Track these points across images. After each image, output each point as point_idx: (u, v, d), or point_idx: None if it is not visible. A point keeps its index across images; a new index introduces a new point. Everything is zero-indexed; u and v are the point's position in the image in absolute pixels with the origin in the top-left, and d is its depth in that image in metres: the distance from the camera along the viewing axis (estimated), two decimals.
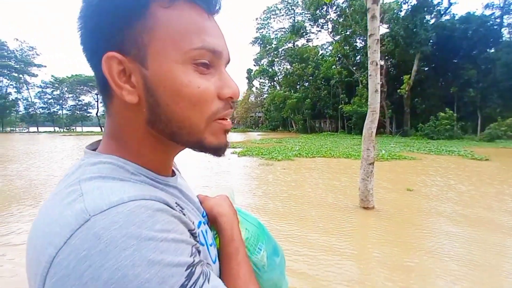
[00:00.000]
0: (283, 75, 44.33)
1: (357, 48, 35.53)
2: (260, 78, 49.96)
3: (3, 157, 11.98)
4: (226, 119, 0.38)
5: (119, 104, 0.35)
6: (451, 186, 6.43)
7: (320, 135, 30.92)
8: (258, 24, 48.15)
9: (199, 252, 0.32)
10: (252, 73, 49.10)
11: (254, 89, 54.14)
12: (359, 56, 35.65)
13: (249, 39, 49.82)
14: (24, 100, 46.90)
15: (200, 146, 0.37)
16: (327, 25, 36.08)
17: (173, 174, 0.44)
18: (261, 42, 45.12)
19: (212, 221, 0.47)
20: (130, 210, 0.27)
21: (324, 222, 4.19)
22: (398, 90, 27.94)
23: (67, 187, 0.31)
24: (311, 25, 39.74)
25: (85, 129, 52.21)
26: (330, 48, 40.15)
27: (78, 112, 48.48)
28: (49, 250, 0.26)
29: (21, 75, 44.40)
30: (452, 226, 3.94)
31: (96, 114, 51.81)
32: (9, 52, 43.10)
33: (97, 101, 51.23)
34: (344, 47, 34.79)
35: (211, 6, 0.36)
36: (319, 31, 39.76)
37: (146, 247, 0.26)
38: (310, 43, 42.23)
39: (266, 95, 48.02)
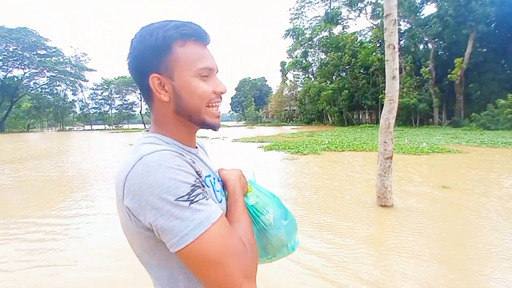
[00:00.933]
0: (318, 65, 42.71)
1: (401, 31, 32.62)
2: (294, 71, 48.75)
3: (73, 150, 13.43)
4: (217, 107, 0.63)
5: (158, 103, 0.61)
6: (497, 183, 5.50)
7: (357, 128, 29.23)
8: (291, 14, 46.82)
9: (202, 185, 0.54)
10: (286, 66, 48.10)
11: (288, 82, 53.11)
12: (403, 40, 32.74)
13: (281, 32, 48.29)
14: (79, 101, 52.49)
15: (203, 124, 0.63)
16: (365, 9, 33.60)
17: (196, 147, 0.69)
18: (293, 34, 43.86)
19: (224, 183, 0.69)
20: (160, 153, 0.52)
21: (336, 221, 3.85)
22: (449, 76, 24.98)
23: (134, 148, 0.58)
24: (349, 11, 37.48)
25: (131, 126, 56.68)
26: (370, 34, 37.38)
27: (125, 111, 52.73)
28: (125, 172, 0.52)
29: (76, 79, 49.56)
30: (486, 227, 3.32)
31: (140, 112, 55.91)
32: (65, 58, 48.28)
33: (141, 101, 55.11)
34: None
35: (206, 40, 0.61)
36: (358, 16, 37.35)
37: (168, 171, 0.50)
38: (347, 30, 39.75)
39: (300, 88, 46.69)
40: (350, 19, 39.43)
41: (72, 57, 49.45)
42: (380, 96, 32.02)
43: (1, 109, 45.51)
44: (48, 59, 45.27)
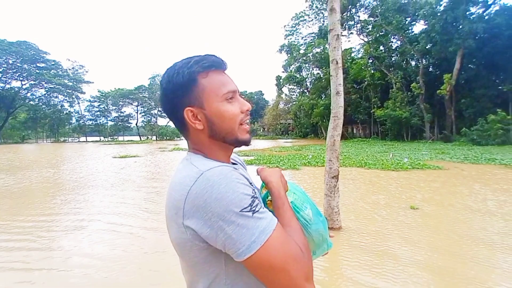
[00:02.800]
0: (311, 80, 43.25)
1: (392, 48, 33.19)
2: (290, 85, 49.29)
3: (69, 160, 13.23)
4: (247, 124, 0.69)
5: (193, 131, 0.67)
6: (467, 206, 5.29)
7: (349, 142, 29.17)
8: (286, 31, 47.85)
9: (257, 196, 0.59)
10: (281, 80, 48.68)
11: (283, 95, 53.56)
12: (395, 57, 33.24)
13: (277, 47, 49.16)
14: (76, 113, 52.66)
15: (237, 141, 0.68)
16: (356, 26, 34.35)
17: (234, 164, 0.75)
18: (288, 49, 44.66)
19: (266, 185, 0.69)
20: (220, 168, 0.57)
21: None
22: (438, 91, 25.13)
23: (185, 165, 0.63)
24: (342, 28, 38.34)
25: (126, 138, 56.57)
26: (362, 50, 38.04)
27: (121, 123, 52.77)
28: (186, 188, 0.56)
29: (73, 91, 49.94)
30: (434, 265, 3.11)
31: (136, 124, 56.00)
32: (63, 71, 48.86)
33: (137, 113, 55.40)
34: (377, 48, 32.73)
35: (224, 67, 0.68)
36: (351, 33, 38.11)
37: (231, 184, 0.54)
38: None
39: (295, 102, 47.02)
40: (343, 35, 40.25)
41: (69, 69, 50.10)
42: (372, 111, 32.20)
43: None
44: (46, 72, 45.83)
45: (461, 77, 25.78)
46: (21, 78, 46.07)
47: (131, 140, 49.33)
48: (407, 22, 29.93)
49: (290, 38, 47.15)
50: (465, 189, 6.60)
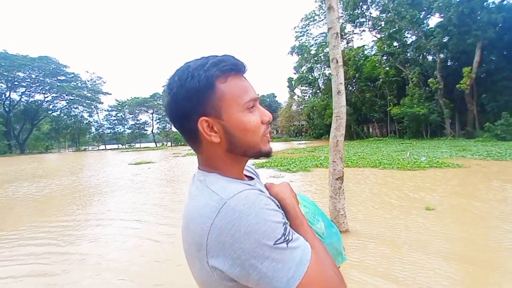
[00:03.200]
0: (323, 81, 42.74)
1: (407, 43, 32.20)
2: (302, 86, 48.96)
3: (88, 167, 13.81)
4: (269, 134, 0.61)
5: (207, 144, 0.57)
6: (486, 205, 4.97)
7: (365, 142, 28.43)
8: (296, 32, 47.65)
9: (287, 223, 0.51)
10: (292, 82, 48.44)
11: (296, 97, 53.23)
12: (410, 52, 32.21)
13: (288, 48, 49.02)
14: (95, 122, 54.78)
15: (260, 154, 0.59)
16: (367, 23, 33.63)
17: (250, 178, 0.67)
18: (298, 51, 44.44)
19: (279, 202, 0.59)
20: (246, 194, 0.49)
21: None
22: (458, 86, 24.05)
23: (201, 190, 0.54)
24: (353, 26, 37.65)
25: (143, 145, 58.13)
26: (375, 47, 37.16)
27: (137, 130, 54.34)
28: (208, 222, 0.47)
29: (92, 102, 52.05)
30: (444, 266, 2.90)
31: (152, 131, 57.44)
32: (82, 83, 51.10)
33: (152, 120, 56.92)
34: (391, 45, 31.86)
35: (244, 71, 0.58)
36: (363, 30, 37.34)
37: (260, 213, 0.46)
38: (351, 45, 39.76)
39: (307, 103, 46.58)
40: (356, 33, 39.52)
41: (88, 81, 52.31)
42: (388, 109, 31.28)
43: (22, 132, 48.24)
44: (66, 84, 48.06)
45: (481, 70, 24.56)
46: (43, 91, 48.60)
47: (147, 147, 50.63)
48: (421, 16, 28.98)
49: (301, 39, 46.90)
50: (484, 187, 6.21)
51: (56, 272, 3.22)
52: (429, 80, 27.01)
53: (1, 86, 45.41)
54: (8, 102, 46.21)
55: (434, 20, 29.15)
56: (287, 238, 0.47)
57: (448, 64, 29.02)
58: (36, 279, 3.09)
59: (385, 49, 31.99)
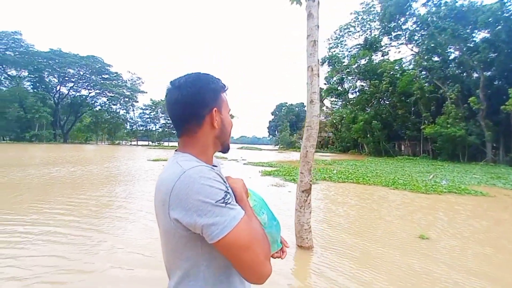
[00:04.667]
0: (354, 93, 41.39)
1: (448, 58, 30.02)
2: (332, 97, 47.84)
3: (113, 159, 14.88)
4: None
5: (206, 129, 0.79)
6: (497, 241, 4.31)
7: (392, 160, 26.74)
8: (330, 44, 46.92)
9: (230, 192, 0.70)
10: (322, 92, 47.51)
11: (324, 108, 52.07)
12: (451, 68, 29.93)
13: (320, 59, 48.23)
14: (130, 119, 58.36)
15: (227, 146, 0.85)
16: (404, 36, 32.07)
17: (214, 166, 0.84)
18: (330, 62, 43.63)
19: (232, 189, 0.77)
20: (201, 168, 0.68)
21: None
22: (503, 107, 21.74)
23: (172, 164, 0.73)
24: (390, 38, 36.13)
25: (171, 143, 60.49)
26: (413, 61, 35.16)
27: (167, 129, 56.94)
28: (171, 183, 0.66)
29: (129, 100, 55.70)
30: None
31: None
32: (123, 82, 54.99)
33: None
34: (429, 59, 29.90)
35: (225, 90, 0.85)
36: (401, 43, 35.64)
37: (208, 181, 0.65)
38: (387, 57, 38.10)
39: (336, 115, 45.27)
40: (393, 46, 37.83)
41: (128, 80, 56.17)
42: (422, 127, 29.21)
43: (67, 123, 52.98)
44: (109, 82, 52.08)
45: None
46: (89, 88, 53.17)
47: (175, 146, 52.52)
48: (467, 30, 26.89)
49: (334, 51, 46.09)
50: (505, 219, 5.41)
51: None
52: (470, 99, 24.77)
53: (54, 80, 50.61)
54: (57, 95, 51.24)
55: (480, 35, 26.90)
56: (226, 201, 0.65)
57: (493, 82, 26.46)
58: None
59: (423, 63, 30.11)
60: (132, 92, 55.78)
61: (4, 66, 45.71)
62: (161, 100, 57.33)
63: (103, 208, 5.58)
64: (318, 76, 3.81)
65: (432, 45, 28.52)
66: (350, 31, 44.75)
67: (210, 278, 0.71)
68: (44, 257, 3.25)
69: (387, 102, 36.71)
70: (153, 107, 56.83)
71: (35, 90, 48.02)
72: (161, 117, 57.36)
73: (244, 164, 17.21)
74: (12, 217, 4.78)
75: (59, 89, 51.48)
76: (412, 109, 32.89)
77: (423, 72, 31.87)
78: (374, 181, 10.06)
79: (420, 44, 30.20)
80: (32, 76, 48.02)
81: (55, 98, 50.82)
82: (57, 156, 19.16)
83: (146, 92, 58.94)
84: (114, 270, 3.00)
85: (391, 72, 34.36)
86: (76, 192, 7.05)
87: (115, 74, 53.59)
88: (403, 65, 36.69)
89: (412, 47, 32.63)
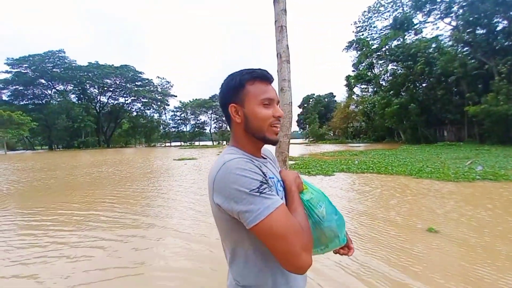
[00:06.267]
0: (385, 78, 38.62)
1: (495, 30, 26.40)
2: (362, 84, 45.23)
3: (143, 160, 16.00)
4: (276, 127, 0.84)
5: (234, 124, 0.85)
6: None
7: (428, 147, 24.44)
8: (357, 27, 44.27)
9: (267, 182, 0.73)
10: (351, 79, 45.16)
11: (354, 96, 49.51)
12: (500, 40, 26.27)
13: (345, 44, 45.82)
14: (163, 122, 61.41)
15: (265, 139, 0.84)
16: (439, 9, 28.97)
17: (264, 158, 0.92)
18: (357, 46, 41.20)
19: (283, 181, 0.85)
20: (238, 159, 0.73)
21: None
22: None
23: (220, 155, 0.81)
24: (424, 14, 32.90)
25: (202, 143, 62.63)
26: (448, 38, 31.61)
27: (197, 129, 58.86)
28: (214, 173, 0.74)
29: (161, 103, 58.62)
30: None
31: (210, 130, 61.45)
32: (154, 87, 57.99)
33: (211, 120, 60.93)
34: (474, 32, 26.57)
35: (268, 80, 0.85)
36: (439, 18, 32.22)
37: (244, 171, 0.70)
38: (419, 36, 34.86)
39: (367, 103, 42.67)
40: (428, 22, 34.42)
41: (159, 85, 59.08)
42: (465, 109, 26.20)
43: (108, 129, 57.49)
44: (142, 89, 55.30)
45: None
46: (125, 95, 57.05)
47: (205, 145, 54.28)
48: None
49: (362, 34, 43.40)
50: None
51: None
52: None
53: (95, 91, 55.19)
54: (98, 104, 55.84)
55: None
56: (261, 190, 0.69)
57: None
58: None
59: (465, 38, 26.88)
60: (163, 96, 58.68)
61: (53, 82, 51.07)
62: (189, 101, 59.49)
63: (142, 197, 6.77)
64: (288, 63, 3.49)
65: (476, 15, 25.29)
66: (379, 11, 41.79)
67: (256, 260, 0.76)
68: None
69: (424, 85, 33.62)
70: (183, 109, 59.11)
71: (79, 101, 52.93)
72: (190, 118, 59.53)
73: None
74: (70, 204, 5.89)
75: (100, 99, 56.13)
76: (454, 89, 29.73)
77: (465, 48, 28.50)
78: (397, 170, 9.21)
79: (459, 16, 27.02)
80: (76, 89, 52.96)
81: (97, 107, 55.44)
82: (103, 159, 21.33)
83: (176, 96, 61.70)
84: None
85: (427, 52, 31.31)
86: (121, 185, 8.64)
87: (146, 81, 56.78)
88: (441, 43, 33.17)
89: (450, 21, 29.37)
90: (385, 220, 4.36)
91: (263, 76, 0.82)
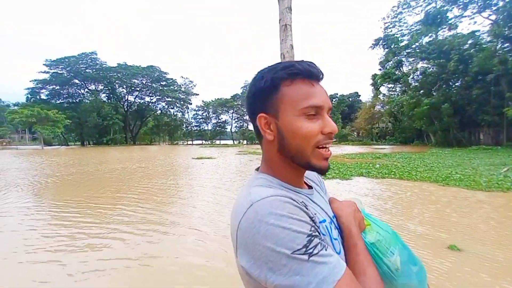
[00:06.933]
0: (414, 76, 36.54)
1: None
2: (389, 83, 43.16)
3: (164, 158, 16.59)
4: (327, 148, 0.58)
5: (265, 141, 0.61)
6: None
7: (462, 151, 22.67)
8: (386, 23, 42.25)
9: (319, 233, 0.49)
10: (376, 79, 43.27)
11: (381, 96, 47.40)
12: None
13: (371, 42, 43.97)
14: (185, 121, 62.94)
15: (309, 166, 0.58)
16: (476, 2, 26.83)
17: (309, 187, 0.66)
18: (384, 43, 39.34)
19: (336, 219, 0.61)
20: (272, 200, 0.49)
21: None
22: None
23: (244, 190, 0.58)
24: (460, 8, 30.63)
25: (223, 141, 63.42)
26: (486, 34, 29.12)
27: (218, 128, 59.62)
28: (238, 219, 0.51)
29: (184, 103, 60.13)
30: None
31: (230, 129, 62.03)
32: (178, 86, 59.58)
33: (231, 119, 61.52)
34: None
35: (315, 77, 0.58)
36: (475, 13, 29.86)
37: (281, 220, 0.46)
38: (454, 31, 32.53)
39: (394, 103, 40.64)
40: (464, 17, 31.99)
41: (182, 85, 60.64)
42: (505, 110, 24.01)
43: (135, 127, 60.02)
44: (166, 88, 57.10)
45: None
46: (150, 95, 59.19)
47: (226, 144, 54.83)
48: None
49: (391, 30, 41.38)
50: None
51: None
52: None
53: (123, 91, 57.81)
54: (126, 103, 58.43)
55: None
56: (310, 251, 0.45)
57: None
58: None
59: (505, 32, 24.63)
60: (186, 96, 60.15)
61: (85, 82, 54.27)
62: (211, 100, 60.46)
63: (166, 191, 7.47)
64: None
65: None
66: (410, 6, 39.57)
67: None
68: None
69: (458, 84, 31.34)
70: (205, 108, 60.21)
71: (109, 100, 55.75)
72: (212, 116, 60.46)
73: None
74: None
75: (127, 98, 58.73)
76: (492, 89, 27.38)
77: (505, 44, 26.11)
78: (422, 176, 8.56)
79: (500, 10, 24.84)
80: (106, 88, 55.84)
81: (125, 106, 58.07)
82: (129, 155, 22.74)
83: (198, 94, 62.80)
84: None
85: (461, 48, 29.11)
86: (145, 179, 9.57)
87: (171, 80, 58.50)
88: (479, 38, 30.65)
89: (489, 15, 27.07)
90: (402, 229, 3.97)
91: (307, 73, 0.56)
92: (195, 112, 62.39)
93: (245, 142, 57.71)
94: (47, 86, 52.57)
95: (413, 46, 36.60)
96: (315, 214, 0.55)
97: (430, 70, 33.34)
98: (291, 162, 0.58)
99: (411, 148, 30.70)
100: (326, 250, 0.47)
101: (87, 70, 52.42)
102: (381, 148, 30.48)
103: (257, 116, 0.59)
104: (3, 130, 47.91)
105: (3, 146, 44.08)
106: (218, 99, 59.58)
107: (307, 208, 0.52)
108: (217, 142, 61.85)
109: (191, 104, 61.36)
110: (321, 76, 0.58)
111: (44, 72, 50.87)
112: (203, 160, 17.24)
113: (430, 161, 13.42)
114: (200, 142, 63.19)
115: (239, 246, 0.50)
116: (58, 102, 52.98)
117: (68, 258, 3.33)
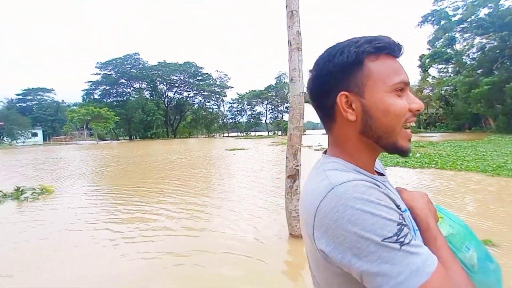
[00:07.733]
0: (469, 54, 32.25)
1: None
2: (439, 64, 38.79)
3: (200, 149, 17.58)
4: (410, 129, 0.56)
5: (341, 123, 0.56)
6: None
7: None
8: None
9: (406, 223, 0.46)
10: (424, 59, 39.16)
11: (429, 78, 42.95)
12: None
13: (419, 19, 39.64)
14: (221, 114, 64.59)
15: (394, 147, 0.55)
16: None
17: (380, 174, 0.63)
18: (433, 19, 35.25)
19: (410, 211, 0.57)
20: (354, 185, 0.46)
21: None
22: None
23: (317, 173, 0.55)
24: None
25: (258, 133, 63.76)
26: None
27: (253, 120, 60.04)
28: (315, 202, 0.48)
29: (219, 96, 61.62)
30: None
31: (265, 121, 62.04)
32: (213, 80, 61.12)
33: (266, 111, 61.44)
34: None
35: (398, 53, 0.55)
36: None
37: (368, 205, 0.43)
38: None
39: (446, 85, 36.50)
40: None
41: (217, 78, 62.09)
42: None
43: (175, 121, 63.46)
44: (202, 83, 59.03)
45: None
46: (188, 90, 61.76)
47: (261, 135, 55.11)
48: None
49: (441, 4, 36.88)
50: None
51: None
52: None
53: (163, 87, 61.26)
54: (166, 99, 61.87)
55: None
56: (402, 240, 0.42)
57: None
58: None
59: None
60: (221, 89, 61.54)
61: (131, 81, 58.64)
62: (245, 93, 60.95)
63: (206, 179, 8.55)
64: (299, 51, 3.14)
65: None
66: None
67: None
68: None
69: None
70: (240, 100, 60.96)
71: (151, 97, 59.61)
72: (247, 108, 61.02)
73: (315, 150, 16.22)
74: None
75: (167, 94, 62.13)
76: None
77: None
78: (468, 166, 7.57)
79: None
80: (148, 86, 59.73)
81: (165, 102, 61.58)
82: (170, 148, 24.80)
83: (233, 87, 63.81)
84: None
85: None
86: (186, 169, 10.84)
87: (206, 75, 60.26)
88: None
89: None
90: None
91: (392, 48, 0.52)
92: (230, 104, 63.74)
93: (279, 133, 57.42)
94: (99, 87, 58.08)
95: (469, 20, 32.18)
96: (399, 203, 0.51)
97: (490, 45, 29.10)
98: (373, 144, 0.55)
99: (465, 135, 27.42)
100: (415, 240, 0.44)
101: (131, 70, 56.56)
102: (428, 136, 27.80)
103: (335, 95, 0.54)
104: (66, 128, 54.44)
105: (66, 142, 50.16)
106: (252, 91, 59.92)
107: (389, 195, 0.48)
108: (252, 133, 62.49)
109: (225, 96, 62.69)
110: (402, 51, 0.55)
111: (96, 74, 56.28)
112: (235, 152, 17.55)
113: (483, 150, 11.82)
114: (235, 134, 64.51)
115: (317, 229, 0.47)
116: (108, 100, 58.22)
117: (122, 227, 4.29)
